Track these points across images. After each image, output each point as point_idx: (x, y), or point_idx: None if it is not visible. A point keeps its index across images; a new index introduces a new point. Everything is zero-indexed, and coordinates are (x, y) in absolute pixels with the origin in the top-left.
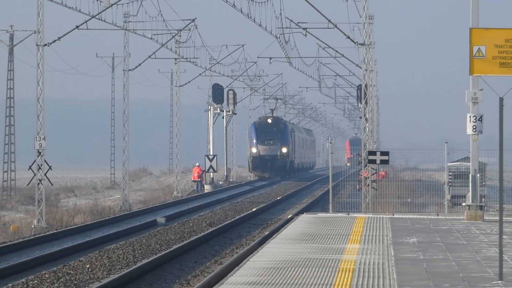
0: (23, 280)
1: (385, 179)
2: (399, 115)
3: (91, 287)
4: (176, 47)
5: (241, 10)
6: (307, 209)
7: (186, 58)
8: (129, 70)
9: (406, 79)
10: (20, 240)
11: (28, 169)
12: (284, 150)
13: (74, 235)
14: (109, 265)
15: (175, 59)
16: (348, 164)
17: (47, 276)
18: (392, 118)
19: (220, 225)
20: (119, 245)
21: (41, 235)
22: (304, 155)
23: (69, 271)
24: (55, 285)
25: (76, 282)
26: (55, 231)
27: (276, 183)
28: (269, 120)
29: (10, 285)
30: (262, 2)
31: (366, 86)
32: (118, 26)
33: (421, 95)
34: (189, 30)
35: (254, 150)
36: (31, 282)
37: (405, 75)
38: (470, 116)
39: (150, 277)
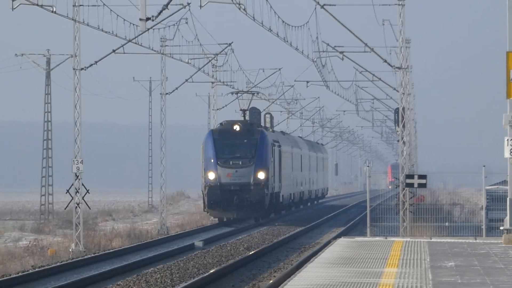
0: None
1: (423, 202)
2: (437, 138)
3: None
4: (213, 71)
5: (277, 34)
6: None
7: (223, 82)
8: (166, 93)
9: (444, 101)
10: (58, 264)
11: (66, 193)
12: (262, 175)
13: (111, 259)
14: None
15: (212, 82)
16: (390, 187)
17: None
18: (430, 141)
19: (258, 249)
20: (157, 269)
21: (78, 259)
22: (303, 180)
23: None
24: None
25: None
26: (92, 255)
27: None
28: (236, 127)
29: None
30: (298, 26)
31: (403, 109)
32: (154, 50)
33: (459, 117)
34: (226, 54)
35: (211, 175)
36: None
37: (443, 98)
38: (508, 140)
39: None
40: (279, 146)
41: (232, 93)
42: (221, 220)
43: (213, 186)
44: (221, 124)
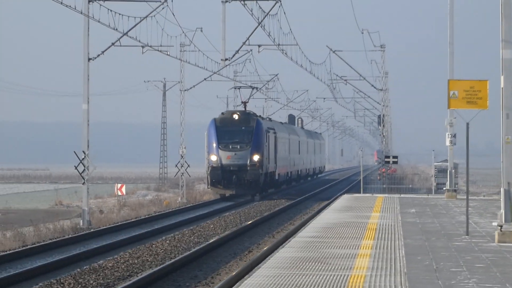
0: (172, 234)
1: (395, 173)
2: (405, 132)
3: (215, 235)
4: (266, 91)
5: (305, 69)
6: None
7: (273, 99)
8: (266, 118)
9: (412, 108)
10: (171, 210)
11: (175, 166)
12: (256, 157)
13: (203, 207)
14: (224, 225)
15: (265, 99)
16: (376, 163)
17: (187, 232)
18: (401, 134)
19: (294, 201)
20: (231, 213)
21: (183, 207)
22: (301, 161)
23: (200, 230)
24: (192, 237)
25: (205, 236)
26: (191, 204)
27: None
28: (235, 116)
29: (164, 237)
30: (319, 64)
31: (383, 116)
32: (230, 79)
33: (421, 120)
34: (274, 81)
35: (213, 157)
36: (176, 236)
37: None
38: (448, 134)
39: (250, 232)
40: (275, 132)
41: (234, 87)
42: (223, 195)
43: (215, 166)
44: (222, 113)
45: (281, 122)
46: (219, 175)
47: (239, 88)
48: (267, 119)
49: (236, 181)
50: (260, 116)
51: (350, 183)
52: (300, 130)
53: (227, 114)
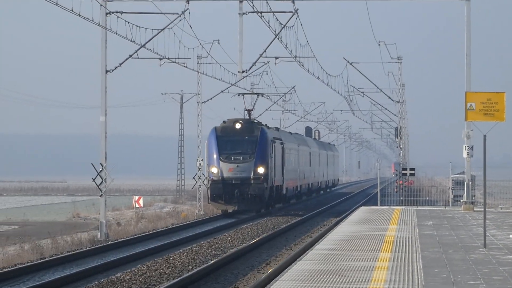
0: (189, 247)
1: (412, 185)
2: (422, 144)
3: (233, 248)
4: (283, 103)
5: (322, 81)
6: None
7: (290, 111)
8: (272, 127)
9: (430, 120)
10: (187, 222)
11: (192, 178)
12: (261, 170)
13: (221, 219)
14: (242, 237)
15: (282, 111)
16: (393, 175)
17: (204, 244)
18: (418, 146)
19: (310, 213)
20: (248, 225)
21: (200, 219)
22: (312, 174)
23: (218, 242)
24: (209, 250)
25: (223, 248)
26: (209, 217)
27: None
28: (238, 125)
29: (181, 250)
30: (335, 76)
31: (400, 128)
32: (248, 91)
33: (438, 132)
34: (291, 93)
35: (214, 170)
36: (194, 248)
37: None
38: (465, 146)
39: (268, 245)
40: (282, 143)
41: (238, 94)
42: (224, 212)
43: (215, 180)
44: (224, 121)
45: (289, 132)
46: (220, 189)
47: (243, 95)
48: (273, 128)
49: (238, 196)
50: (265, 125)
51: (365, 196)
52: (311, 141)
53: (229, 122)
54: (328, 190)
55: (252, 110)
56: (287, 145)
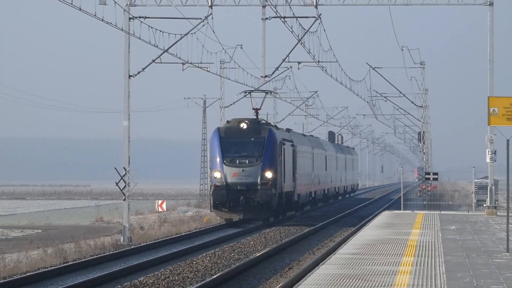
0: (212, 251)
1: (435, 189)
2: (445, 149)
3: (256, 252)
4: (305, 110)
5: (345, 86)
6: None
7: (312, 115)
8: (283, 129)
9: (453, 125)
10: (210, 226)
11: None
12: (269, 174)
13: (244, 224)
14: (265, 241)
15: (305, 116)
16: (416, 180)
17: (227, 249)
18: (441, 150)
19: (332, 218)
20: (271, 230)
21: (223, 223)
22: (328, 178)
23: (241, 246)
24: (232, 254)
25: (245, 253)
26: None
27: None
28: (243, 125)
29: (204, 254)
30: (359, 81)
31: (423, 132)
32: (271, 95)
33: (461, 137)
34: (313, 97)
35: (217, 174)
36: (217, 252)
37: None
38: (488, 150)
39: (290, 249)
40: (293, 145)
41: (245, 92)
42: (229, 221)
43: (218, 185)
44: (228, 121)
45: (303, 134)
46: (224, 196)
47: (249, 93)
48: (283, 129)
49: (244, 203)
50: (274, 125)
51: (386, 203)
52: (327, 144)
53: (234, 122)
54: (347, 196)
55: (259, 109)
56: (299, 148)
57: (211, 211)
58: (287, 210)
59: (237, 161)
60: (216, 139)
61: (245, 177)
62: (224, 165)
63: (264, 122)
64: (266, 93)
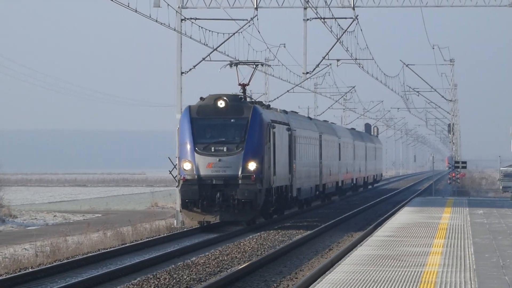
0: (258, 233)
1: (464, 177)
2: (473, 139)
3: (298, 234)
4: (344, 104)
5: (380, 81)
6: None
7: (350, 109)
8: (278, 109)
9: (481, 117)
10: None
11: None
12: (252, 165)
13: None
14: (307, 224)
15: (343, 109)
16: (447, 168)
17: (272, 232)
18: (469, 140)
19: (369, 204)
20: (312, 213)
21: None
22: (343, 169)
23: (285, 229)
24: (277, 236)
25: (289, 235)
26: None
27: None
28: (221, 103)
29: (251, 236)
30: (393, 77)
31: (453, 124)
32: (311, 91)
33: (488, 128)
34: (351, 92)
35: (187, 166)
36: (263, 235)
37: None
38: None
39: (331, 232)
40: (289, 129)
41: (230, 64)
42: (202, 224)
43: (189, 179)
44: (201, 98)
45: (309, 117)
46: (195, 193)
47: (236, 65)
48: (278, 110)
49: (221, 202)
50: (267, 104)
51: (414, 192)
52: (342, 130)
53: (209, 99)
54: (369, 187)
55: (247, 84)
56: (300, 133)
57: (180, 211)
58: (283, 208)
59: (212, 148)
60: (186, 120)
61: (222, 169)
62: (195, 154)
63: (249, 98)
64: (257, 65)
